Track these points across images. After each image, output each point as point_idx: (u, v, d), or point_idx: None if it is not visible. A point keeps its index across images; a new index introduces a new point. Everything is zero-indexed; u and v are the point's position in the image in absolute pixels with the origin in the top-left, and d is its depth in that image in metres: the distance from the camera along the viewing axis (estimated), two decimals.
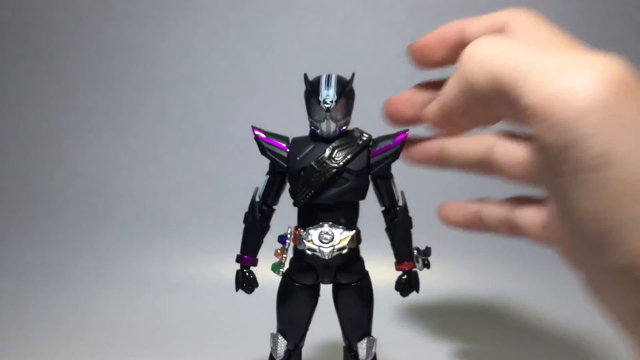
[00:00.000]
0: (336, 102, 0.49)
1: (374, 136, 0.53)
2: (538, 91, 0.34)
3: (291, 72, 1.02)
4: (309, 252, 0.52)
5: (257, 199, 0.54)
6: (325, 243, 0.51)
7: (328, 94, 0.49)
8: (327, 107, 0.49)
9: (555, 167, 0.34)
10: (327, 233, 0.51)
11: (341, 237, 0.51)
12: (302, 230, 0.52)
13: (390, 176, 0.54)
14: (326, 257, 0.51)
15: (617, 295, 0.35)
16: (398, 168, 0.54)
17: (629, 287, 0.33)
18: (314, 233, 0.51)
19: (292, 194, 0.52)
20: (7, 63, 1.06)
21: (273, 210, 0.55)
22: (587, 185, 0.32)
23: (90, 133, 1.06)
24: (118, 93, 1.05)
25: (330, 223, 0.51)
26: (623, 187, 0.32)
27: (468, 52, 0.41)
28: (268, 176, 0.54)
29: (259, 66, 1.02)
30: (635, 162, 0.31)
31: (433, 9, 1.01)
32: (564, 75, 0.33)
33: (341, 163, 0.50)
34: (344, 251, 0.52)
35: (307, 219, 0.52)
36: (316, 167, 0.50)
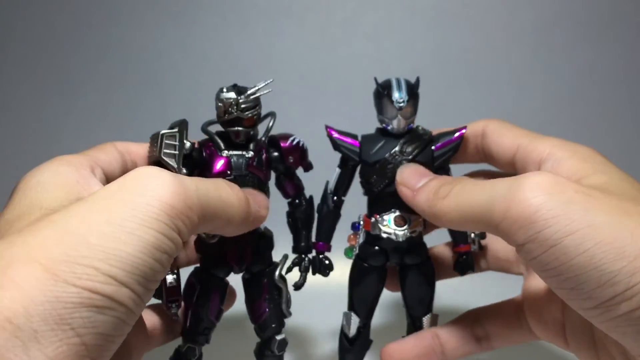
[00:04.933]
0: (407, 102, 0.55)
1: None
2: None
3: (291, 72, 1.03)
4: (384, 236, 0.56)
5: (329, 192, 0.59)
6: (400, 227, 0.56)
7: (400, 95, 0.55)
8: (400, 107, 0.55)
9: None
10: (402, 217, 0.56)
11: (413, 221, 0.56)
12: (377, 217, 0.57)
13: (449, 168, 0.59)
14: (400, 240, 0.56)
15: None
16: None
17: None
18: (388, 218, 0.56)
19: (366, 184, 0.57)
20: (7, 63, 1.06)
21: (343, 201, 0.60)
22: None
23: (90, 133, 1.06)
24: (118, 93, 1.05)
25: (403, 209, 0.56)
26: None
27: None
28: (339, 170, 0.59)
29: (259, 66, 1.02)
30: None
31: (433, 9, 1.01)
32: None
33: (410, 156, 0.55)
34: (415, 234, 0.57)
35: (381, 206, 0.57)
36: (390, 159, 0.55)
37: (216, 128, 0.56)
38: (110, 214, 0.36)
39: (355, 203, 0.60)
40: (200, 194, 0.40)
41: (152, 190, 0.37)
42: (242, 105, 0.52)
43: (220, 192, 0.44)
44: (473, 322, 0.59)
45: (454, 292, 0.70)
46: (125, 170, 0.50)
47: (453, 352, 0.58)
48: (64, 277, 0.33)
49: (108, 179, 0.48)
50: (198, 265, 0.58)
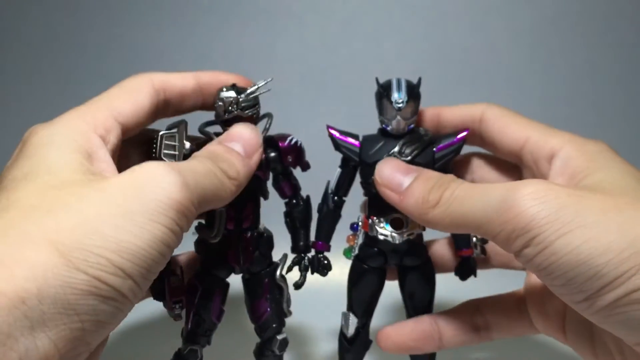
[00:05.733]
0: (406, 102, 0.54)
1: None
2: None
3: (291, 72, 1.03)
4: (381, 238, 0.56)
5: (330, 192, 0.59)
6: (397, 229, 0.56)
7: (400, 96, 0.54)
8: (399, 107, 0.54)
9: None
10: (399, 220, 0.56)
11: (411, 223, 0.56)
12: (375, 218, 0.56)
13: (450, 171, 0.58)
14: (397, 242, 0.56)
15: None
16: None
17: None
18: (386, 220, 0.56)
19: (365, 184, 0.57)
20: (8, 63, 1.07)
21: (343, 201, 0.60)
22: None
23: None
24: None
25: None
26: None
27: None
28: (340, 170, 0.59)
29: (259, 66, 1.02)
30: None
31: (433, 10, 1.01)
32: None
33: (409, 157, 0.54)
34: (412, 236, 0.56)
35: (380, 207, 0.56)
36: None
37: (214, 129, 0.56)
38: (123, 208, 0.38)
39: (355, 203, 0.60)
40: (198, 187, 0.42)
41: (161, 187, 0.39)
42: (243, 104, 0.53)
43: (212, 179, 0.45)
44: (474, 311, 0.60)
45: (454, 291, 0.70)
46: (147, 118, 0.51)
47: (451, 339, 0.58)
48: (77, 264, 0.34)
49: (125, 131, 0.49)
50: (199, 267, 0.59)
